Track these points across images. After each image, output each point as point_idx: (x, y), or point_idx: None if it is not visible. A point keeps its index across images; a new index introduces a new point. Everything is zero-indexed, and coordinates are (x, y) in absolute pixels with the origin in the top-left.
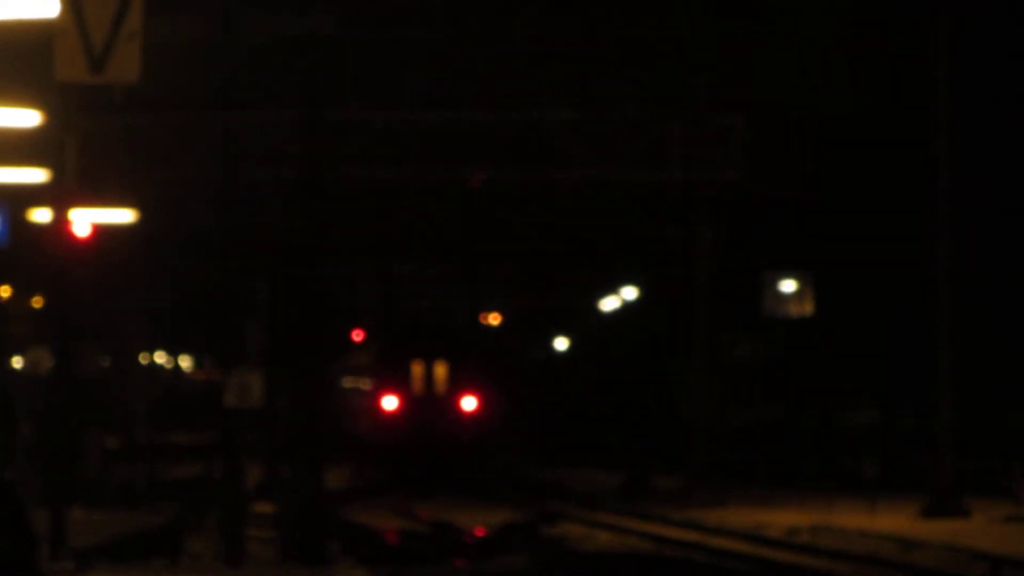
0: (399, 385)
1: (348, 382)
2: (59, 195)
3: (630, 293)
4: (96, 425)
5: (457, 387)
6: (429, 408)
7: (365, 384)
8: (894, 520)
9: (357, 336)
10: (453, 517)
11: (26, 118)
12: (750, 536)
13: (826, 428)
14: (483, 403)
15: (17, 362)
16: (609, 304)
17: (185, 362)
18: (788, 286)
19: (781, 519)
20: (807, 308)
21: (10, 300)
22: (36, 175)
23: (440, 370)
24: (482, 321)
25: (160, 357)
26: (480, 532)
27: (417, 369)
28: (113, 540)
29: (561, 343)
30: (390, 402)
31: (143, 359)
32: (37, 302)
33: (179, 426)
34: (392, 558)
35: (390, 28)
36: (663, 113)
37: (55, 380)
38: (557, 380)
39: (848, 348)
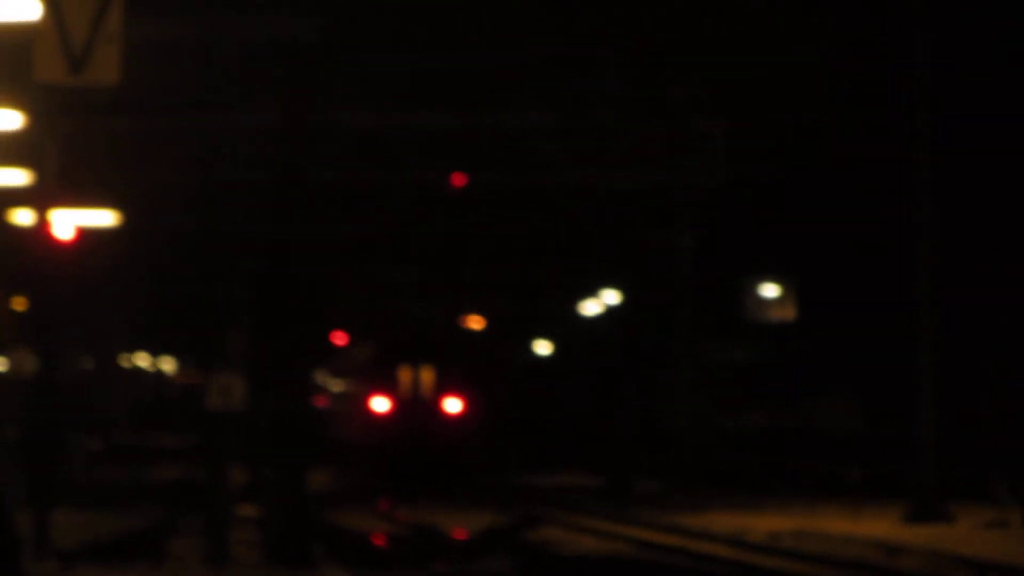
0: (387, 388)
1: (332, 385)
2: (40, 197)
3: (612, 298)
4: (79, 427)
5: (443, 390)
6: (415, 411)
7: (352, 387)
8: (878, 525)
9: (339, 339)
10: (436, 520)
11: (7, 120)
12: (732, 541)
13: (808, 433)
14: (468, 406)
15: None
16: (591, 309)
17: (167, 364)
18: (770, 291)
19: (763, 524)
20: (789, 313)
21: None
22: (17, 177)
23: (427, 374)
24: (464, 325)
25: (142, 359)
26: (463, 535)
27: (405, 373)
28: (97, 542)
29: (544, 347)
30: (379, 404)
31: (125, 362)
32: (19, 304)
33: (161, 428)
34: (375, 561)
35: (372, 32)
36: (644, 118)
37: (38, 383)
38: (540, 384)
39: (831, 353)
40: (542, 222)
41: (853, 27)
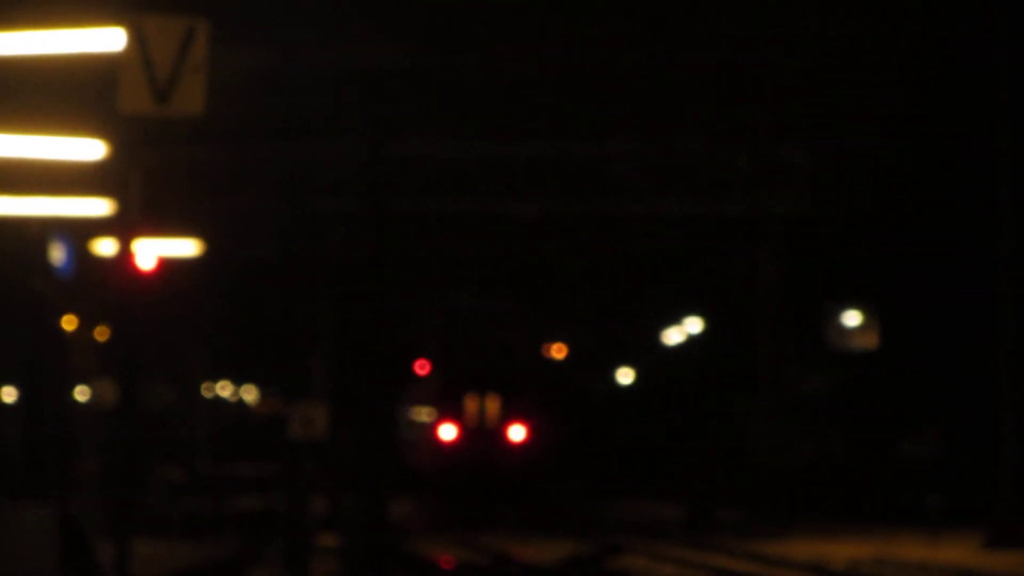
0: (454, 417)
1: (409, 414)
2: (123, 227)
3: (694, 325)
4: (161, 457)
5: (508, 419)
6: (481, 439)
7: (424, 416)
8: (956, 552)
9: (421, 368)
10: (516, 549)
11: (90, 150)
12: (813, 568)
13: (889, 461)
14: (534, 434)
15: (81, 394)
16: (673, 336)
17: (249, 394)
18: (852, 319)
19: (844, 551)
20: (871, 341)
21: (74, 332)
22: (100, 207)
23: (492, 403)
24: (546, 353)
25: (224, 389)
26: (543, 564)
27: (471, 402)
28: (178, 572)
29: (625, 375)
30: (446, 432)
31: (207, 391)
32: (101, 334)
33: (243, 458)
34: None
35: (455, 62)
36: (726, 145)
37: (120, 412)
38: (621, 412)
39: (913, 381)
40: (625, 250)
41: (937, 54)
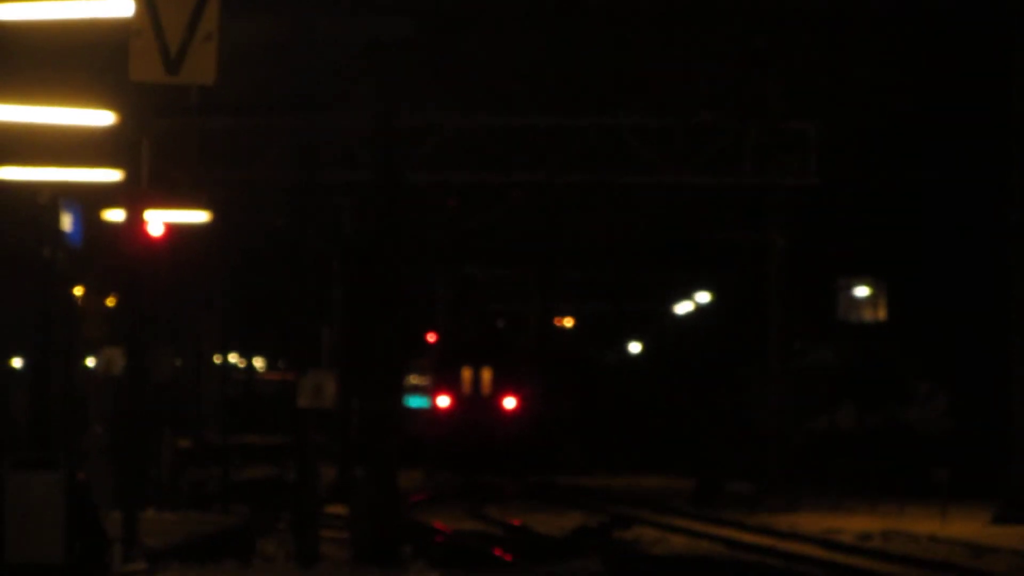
0: (450, 387)
1: (416, 382)
2: (133, 195)
3: (703, 298)
4: (169, 426)
5: (502, 389)
6: (474, 408)
7: (424, 385)
8: (965, 526)
9: (432, 338)
10: (526, 520)
11: (101, 118)
12: (822, 541)
13: (898, 434)
14: (527, 404)
15: (90, 362)
16: (682, 308)
17: (258, 363)
18: (861, 291)
19: (853, 524)
20: (880, 313)
21: (83, 300)
22: (110, 175)
23: (487, 373)
24: (553, 324)
25: (233, 358)
26: (552, 534)
27: (466, 372)
28: (185, 541)
29: (635, 347)
30: (441, 401)
31: (216, 360)
32: (110, 302)
33: (252, 427)
34: (465, 561)
35: (465, 32)
36: (737, 118)
37: (128, 381)
38: (630, 384)
39: (922, 353)
40: (635, 221)
41: (948, 25)
